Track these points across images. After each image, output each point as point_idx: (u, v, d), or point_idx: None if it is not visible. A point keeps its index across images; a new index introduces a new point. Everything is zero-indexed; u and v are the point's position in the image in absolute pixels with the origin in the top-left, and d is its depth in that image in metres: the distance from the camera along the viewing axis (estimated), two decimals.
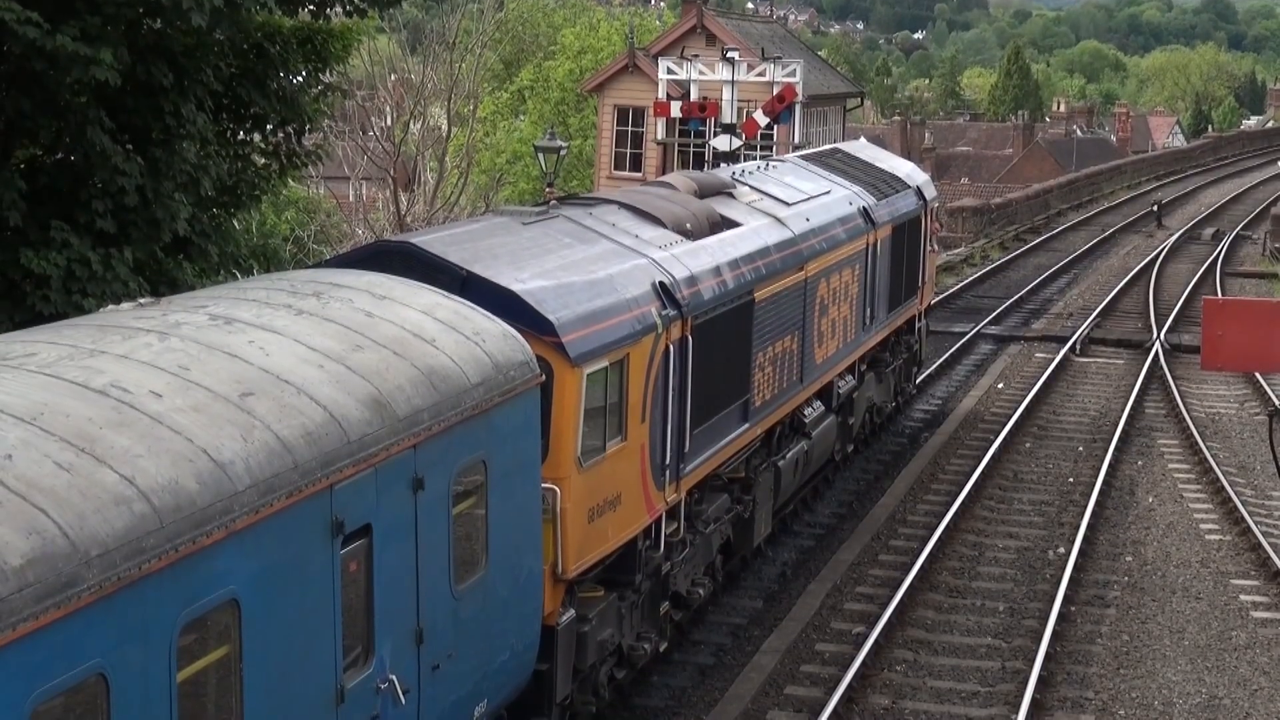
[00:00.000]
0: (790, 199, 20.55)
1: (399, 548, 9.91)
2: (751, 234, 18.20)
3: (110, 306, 10.63)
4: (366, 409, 9.55)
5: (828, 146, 29.83)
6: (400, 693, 9.86)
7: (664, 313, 14.53)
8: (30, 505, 6.99)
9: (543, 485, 12.08)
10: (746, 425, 17.34)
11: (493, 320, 11.75)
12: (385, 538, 9.68)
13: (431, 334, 10.90)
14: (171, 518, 7.60)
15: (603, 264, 14.35)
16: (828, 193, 22.33)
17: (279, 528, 8.50)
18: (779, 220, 19.34)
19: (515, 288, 12.74)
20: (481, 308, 11.88)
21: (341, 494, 9.11)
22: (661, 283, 14.79)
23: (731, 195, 19.42)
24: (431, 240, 13.38)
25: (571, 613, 12.99)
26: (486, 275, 12.75)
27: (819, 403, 21.12)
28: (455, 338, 11.08)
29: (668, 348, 14.61)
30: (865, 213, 22.98)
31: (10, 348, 8.72)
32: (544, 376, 12.03)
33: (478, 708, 11.20)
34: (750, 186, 20.31)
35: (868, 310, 23.22)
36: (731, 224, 18.05)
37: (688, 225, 16.73)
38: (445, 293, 11.90)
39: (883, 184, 25.30)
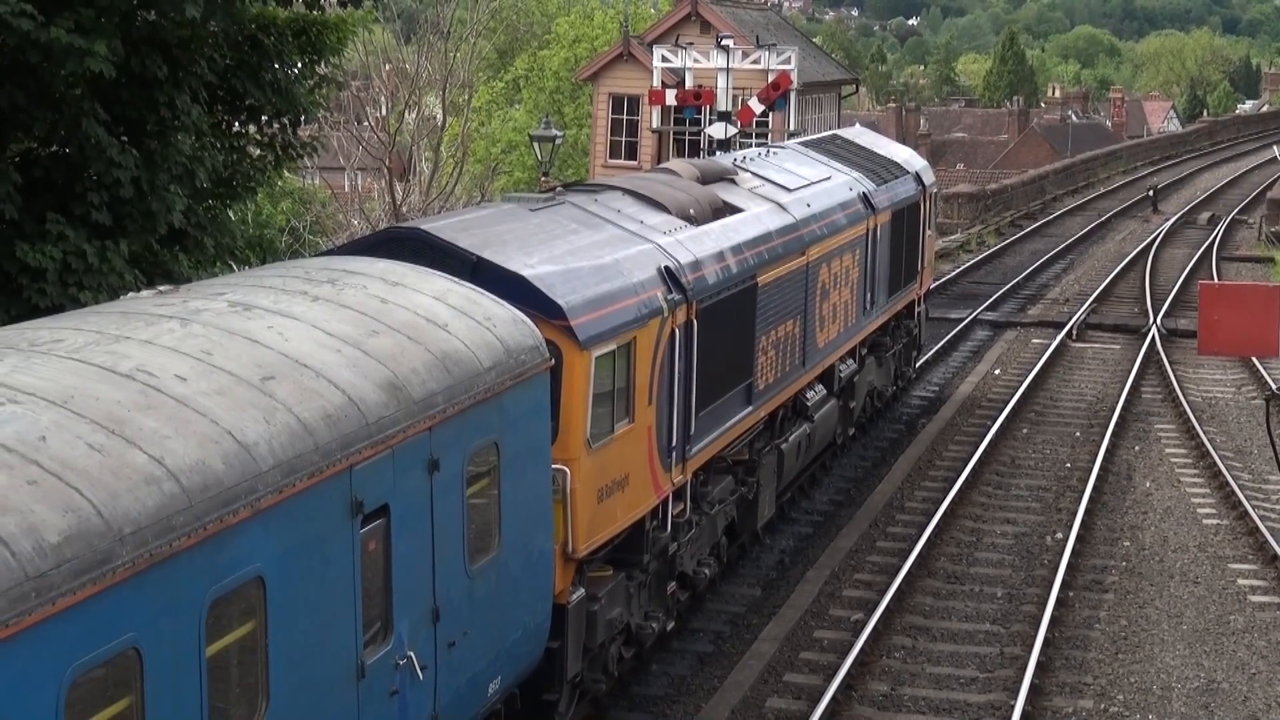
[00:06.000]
0: (791, 185, 20.72)
1: (415, 527, 10.10)
2: (754, 219, 18.37)
3: (131, 294, 10.81)
4: (383, 392, 9.73)
5: (827, 133, 29.94)
6: (418, 668, 10.06)
7: (669, 297, 14.71)
8: (65, 484, 7.17)
9: (553, 466, 12.27)
10: (750, 408, 17.52)
11: (503, 305, 11.92)
12: (402, 518, 9.87)
13: (444, 319, 11.08)
14: (199, 497, 7.79)
15: (609, 249, 14.53)
16: (828, 179, 22.49)
17: (301, 507, 8.69)
18: (781, 206, 19.51)
19: (525, 273, 12.92)
20: (492, 293, 12.06)
21: (360, 475, 9.29)
22: (667, 267, 14.97)
23: (733, 181, 19.59)
24: (442, 226, 13.55)
25: (581, 591, 13.18)
26: (496, 260, 12.92)
27: (821, 386, 21.30)
28: (467, 323, 11.26)
29: (673, 331, 14.80)
30: (865, 198, 23.14)
31: (37, 334, 8.91)
32: (553, 360, 12.23)
33: (492, 684, 11.38)
34: (752, 173, 20.48)
35: (868, 295, 23.38)
36: (734, 210, 18.23)
37: (691, 211, 16.90)
38: (456, 278, 12.08)
39: (882, 170, 25.46)
